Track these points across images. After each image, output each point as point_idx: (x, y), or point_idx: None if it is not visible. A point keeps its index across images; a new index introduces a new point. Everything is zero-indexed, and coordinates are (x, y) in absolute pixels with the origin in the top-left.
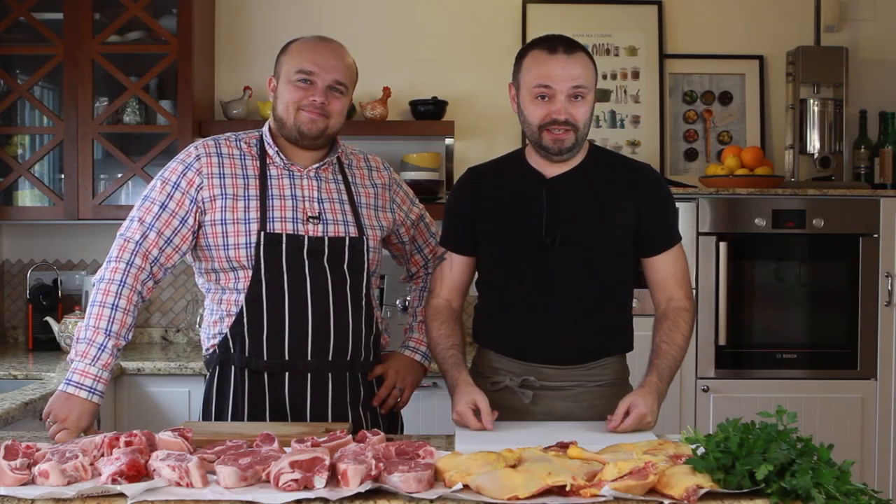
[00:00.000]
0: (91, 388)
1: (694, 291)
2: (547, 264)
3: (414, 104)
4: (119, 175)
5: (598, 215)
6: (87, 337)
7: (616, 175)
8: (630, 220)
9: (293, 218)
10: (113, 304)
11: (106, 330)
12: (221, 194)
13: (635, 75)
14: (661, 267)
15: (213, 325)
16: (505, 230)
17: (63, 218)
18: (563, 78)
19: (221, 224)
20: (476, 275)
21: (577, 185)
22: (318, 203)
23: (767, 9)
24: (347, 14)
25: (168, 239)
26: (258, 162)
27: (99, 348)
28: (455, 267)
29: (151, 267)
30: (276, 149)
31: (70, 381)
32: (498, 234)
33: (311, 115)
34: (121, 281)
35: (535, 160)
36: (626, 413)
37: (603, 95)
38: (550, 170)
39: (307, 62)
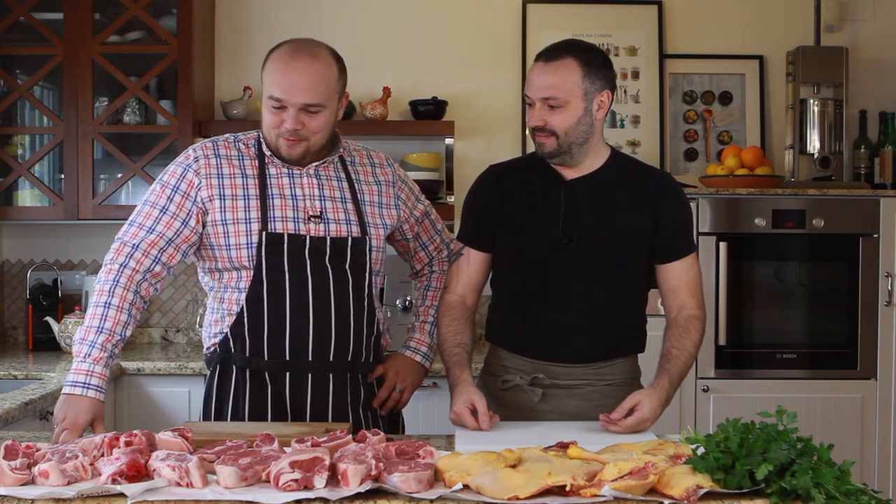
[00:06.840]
0: (84, 383)
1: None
2: (561, 264)
3: (414, 104)
4: (119, 175)
5: (614, 219)
6: (80, 337)
7: (635, 181)
8: (646, 227)
9: (294, 217)
10: (105, 303)
11: (97, 327)
12: (220, 195)
13: (635, 75)
14: (675, 275)
15: (214, 324)
16: (522, 228)
17: (63, 218)
18: (538, 87)
19: (222, 224)
20: (491, 273)
21: (595, 188)
22: (320, 202)
23: (767, 9)
24: (347, 14)
25: (170, 239)
26: (257, 161)
27: (90, 345)
28: (472, 263)
29: (152, 266)
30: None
31: (66, 381)
32: (515, 231)
33: (287, 142)
34: (114, 280)
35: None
36: (630, 411)
37: None
38: (570, 172)
39: (276, 88)
